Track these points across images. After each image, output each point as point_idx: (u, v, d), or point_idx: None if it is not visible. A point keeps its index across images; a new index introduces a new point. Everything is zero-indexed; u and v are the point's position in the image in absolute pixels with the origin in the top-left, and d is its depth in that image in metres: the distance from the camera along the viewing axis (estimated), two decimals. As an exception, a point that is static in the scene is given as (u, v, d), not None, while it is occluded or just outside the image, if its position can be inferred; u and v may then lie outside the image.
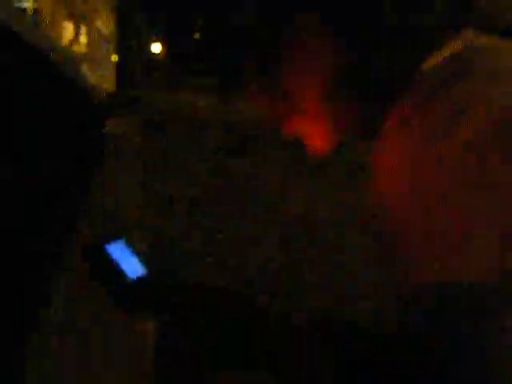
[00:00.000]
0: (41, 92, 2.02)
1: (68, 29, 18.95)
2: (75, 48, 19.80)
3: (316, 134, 0.82)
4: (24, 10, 12.08)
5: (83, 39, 23.67)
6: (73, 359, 1.06)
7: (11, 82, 2.00)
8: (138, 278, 0.85)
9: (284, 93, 0.82)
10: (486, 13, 0.76)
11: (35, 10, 12.56)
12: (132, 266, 0.87)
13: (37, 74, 1.98)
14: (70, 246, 1.31)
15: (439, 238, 0.56)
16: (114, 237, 0.87)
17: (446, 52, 0.73)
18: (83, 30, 23.97)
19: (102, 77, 30.72)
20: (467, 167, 0.56)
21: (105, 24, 35.73)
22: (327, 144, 0.84)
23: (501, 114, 0.59)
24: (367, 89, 0.78)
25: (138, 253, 0.88)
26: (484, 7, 0.77)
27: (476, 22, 0.75)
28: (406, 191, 0.61)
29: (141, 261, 0.88)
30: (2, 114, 1.93)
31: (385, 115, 0.72)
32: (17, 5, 11.49)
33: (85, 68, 19.27)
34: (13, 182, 1.68)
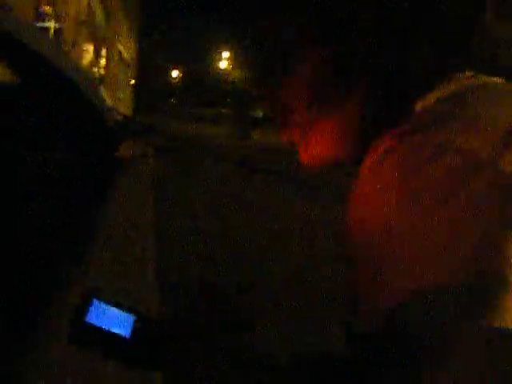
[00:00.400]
0: (58, 110, 2.04)
1: (89, 50, 19.14)
2: (95, 70, 19.96)
3: (310, 150, 0.85)
4: (46, 30, 12.18)
5: (103, 62, 23.88)
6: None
7: (30, 99, 2.02)
8: (132, 332, 0.82)
9: (283, 105, 0.84)
10: (482, 56, 0.79)
11: (57, 31, 12.66)
12: (121, 322, 0.84)
13: (56, 91, 2.00)
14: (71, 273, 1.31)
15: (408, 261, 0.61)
16: (89, 298, 0.84)
17: (440, 93, 0.74)
18: (104, 52, 24.19)
19: (119, 100, 30.93)
20: (431, 209, 0.61)
21: (126, 48, 36.07)
22: (320, 161, 0.86)
23: (472, 165, 0.62)
24: (361, 121, 0.80)
25: (120, 304, 0.86)
26: (480, 50, 0.79)
27: (473, 64, 0.78)
28: (380, 220, 0.66)
29: (126, 310, 0.86)
30: (18, 127, 1.95)
31: (371, 146, 0.74)
32: (39, 24, 11.61)
33: (103, 90, 19.34)
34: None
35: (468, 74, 0.76)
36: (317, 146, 0.84)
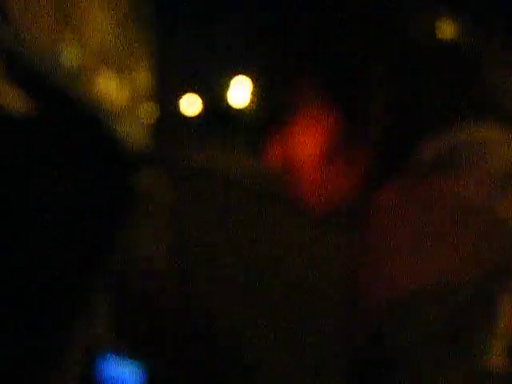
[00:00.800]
0: (75, 138, 2.04)
1: (109, 77, 19.32)
2: (112, 99, 20.16)
3: (316, 194, 0.88)
4: (66, 56, 12.29)
5: (121, 91, 24.11)
6: None
7: (44, 132, 2.01)
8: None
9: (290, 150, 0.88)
10: (488, 103, 0.80)
11: (77, 57, 12.76)
12: (129, 379, 0.80)
13: (72, 121, 1.99)
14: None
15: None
16: (93, 357, 0.81)
17: (442, 141, 0.77)
18: (125, 79, 24.42)
19: (139, 128, 31.19)
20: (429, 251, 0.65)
21: (147, 75, 36.53)
22: (323, 204, 0.89)
23: (470, 210, 0.66)
24: (364, 163, 0.84)
25: (127, 355, 0.82)
26: (486, 97, 0.80)
27: (477, 111, 0.80)
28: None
29: (134, 362, 0.82)
30: (32, 161, 1.94)
31: (378, 188, 0.78)
32: (59, 51, 11.73)
33: (120, 120, 19.46)
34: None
35: (470, 124, 0.78)
36: (324, 190, 0.87)
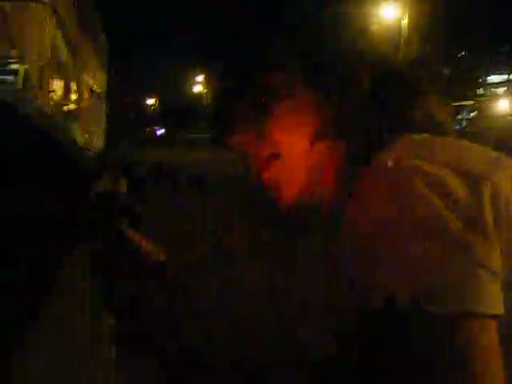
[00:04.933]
0: (27, 157, 2.02)
1: (58, 89, 18.94)
2: (66, 107, 19.76)
3: (290, 185, 0.89)
4: (14, 72, 12.08)
5: (74, 97, 23.66)
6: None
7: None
8: None
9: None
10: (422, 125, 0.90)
11: (24, 72, 12.47)
12: None
13: (23, 140, 1.98)
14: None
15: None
16: None
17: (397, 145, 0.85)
18: (74, 88, 24.00)
19: (93, 133, 30.69)
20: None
21: (96, 81, 35.78)
22: (299, 194, 0.90)
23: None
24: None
25: None
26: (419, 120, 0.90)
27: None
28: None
29: None
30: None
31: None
32: (7, 67, 11.49)
33: (76, 127, 19.09)
34: None
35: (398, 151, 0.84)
36: (296, 184, 0.89)
